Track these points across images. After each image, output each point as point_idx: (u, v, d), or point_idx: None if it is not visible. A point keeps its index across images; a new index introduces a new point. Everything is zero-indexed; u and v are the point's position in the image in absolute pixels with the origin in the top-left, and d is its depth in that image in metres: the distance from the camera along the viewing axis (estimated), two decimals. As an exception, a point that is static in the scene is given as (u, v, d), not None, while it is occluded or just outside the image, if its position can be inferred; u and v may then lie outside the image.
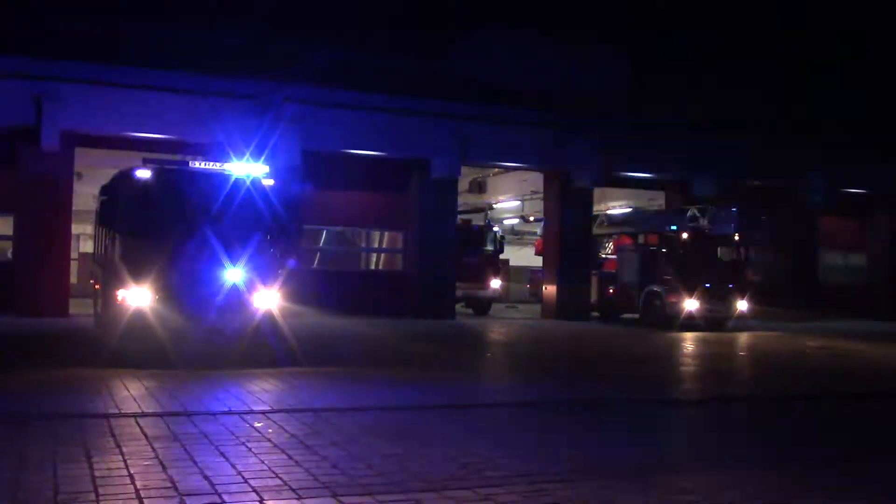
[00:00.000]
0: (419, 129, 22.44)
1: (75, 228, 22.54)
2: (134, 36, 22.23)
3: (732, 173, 25.26)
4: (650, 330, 21.36)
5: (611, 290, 24.21)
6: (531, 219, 31.52)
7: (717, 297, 21.70)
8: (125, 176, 12.53)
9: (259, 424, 7.91)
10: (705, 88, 26.04)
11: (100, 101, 19.35)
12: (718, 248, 23.11)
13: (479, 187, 30.60)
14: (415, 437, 7.50)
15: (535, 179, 26.74)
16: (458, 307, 26.49)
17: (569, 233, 24.67)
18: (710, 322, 21.71)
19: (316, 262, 23.59)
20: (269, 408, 8.76)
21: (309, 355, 12.42)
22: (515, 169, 26.71)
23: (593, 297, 24.87)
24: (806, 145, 25.90)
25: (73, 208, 20.65)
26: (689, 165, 25.14)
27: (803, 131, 25.69)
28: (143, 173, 12.22)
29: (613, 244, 26.50)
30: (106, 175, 14.14)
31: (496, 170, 28.51)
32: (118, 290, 11.66)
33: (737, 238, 22.56)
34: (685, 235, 22.55)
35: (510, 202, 31.94)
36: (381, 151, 22.62)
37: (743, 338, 20.59)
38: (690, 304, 21.37)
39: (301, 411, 8.60)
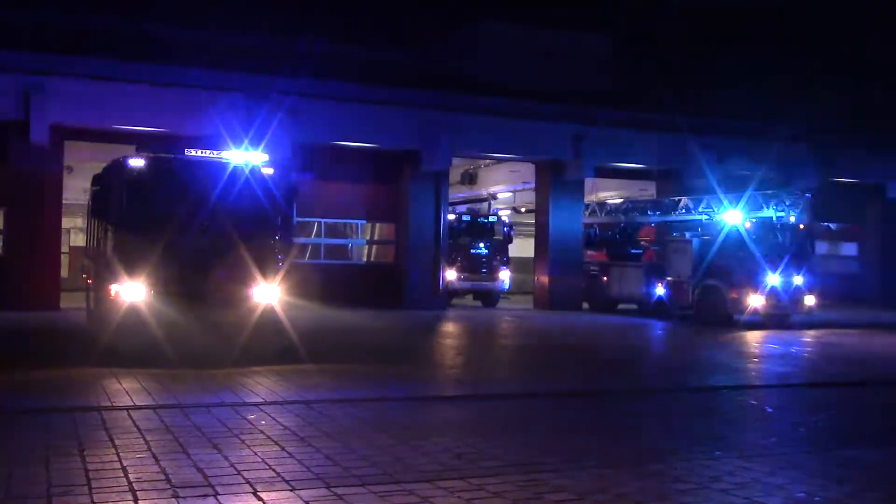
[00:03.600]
0: (409, 121, 22.37)
1: (66, 222, 22.49)
2: (123, 29, 22.17)
3: (719, 162, 25.10)
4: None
5: (659, 284, 21.99)
6: (522, 210, 31.46)
7: (782, 292, 19.63)
8: (118, 165, 11.96)
9: (252, 417, 7.91)
10: (692, 79, 26.06)
11: (89, 95, 19.21)
12: (783, 237, 20.34)
13: (470, 178, 30.54)
14: (408, 429, 7.51)
15: (527, 171, 26.72)
16: (467, 299, 26.37)
17: (561, 224, 24.68)
18: (772, 319, 19.83)
19: (308, 254, 23.54)
20: (262, 400, 8.76)
21: (308, 350, 12.07)
22: (506, 160, 26.69)
23: (617, 290, 23.63)
24: (797, 136, 25.90)
25: (64, 202, 20.57)
26: (678, 156, 25.05)
27: (792, 121, 25.65)
28: (137, 162, 11.65)
29: (649, 233, 24.21)
30: (96, 168, 13.95)
31: (487, 161, 28.47)
32: (111, 284, 11.26)
33: (802, 227, 20.18)
34: (747, 224, 19.98)
35: (502, 193, 31.91)
36: (372, 143, 22.58)
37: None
38: (755, 300, 19.36)
39: (294, 403, 8.60)
